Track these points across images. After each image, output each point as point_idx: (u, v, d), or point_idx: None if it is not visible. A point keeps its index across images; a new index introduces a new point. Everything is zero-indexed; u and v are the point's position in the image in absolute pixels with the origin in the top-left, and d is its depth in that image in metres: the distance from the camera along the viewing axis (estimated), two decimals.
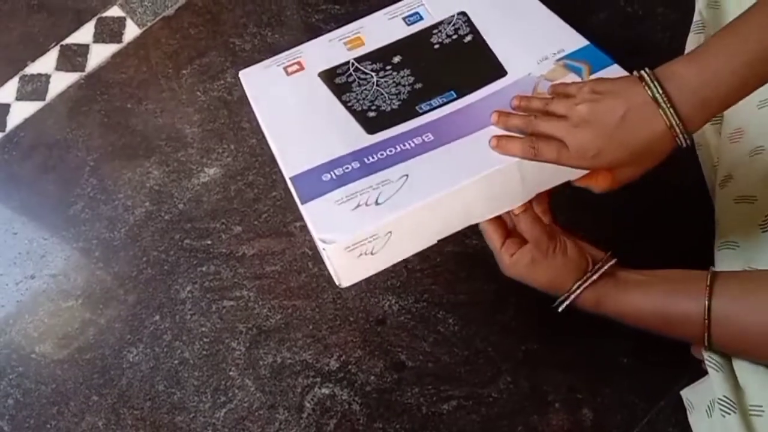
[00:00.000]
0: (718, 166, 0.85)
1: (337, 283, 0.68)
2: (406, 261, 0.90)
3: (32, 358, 0.90)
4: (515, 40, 0.80)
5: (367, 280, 0.88)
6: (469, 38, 0.82)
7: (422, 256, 0.90)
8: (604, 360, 0.86)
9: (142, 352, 0.90)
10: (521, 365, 0.86)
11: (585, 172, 0.68)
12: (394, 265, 0.87)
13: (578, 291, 0.71)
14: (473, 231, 0.90)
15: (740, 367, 0.68)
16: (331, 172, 0.71)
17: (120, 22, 1.09)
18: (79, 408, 0.87)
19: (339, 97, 0.79)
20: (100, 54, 1.07)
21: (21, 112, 1.05)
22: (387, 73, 0.81)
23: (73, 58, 1.07)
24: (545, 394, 0.85)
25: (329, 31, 1.01)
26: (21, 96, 1.05)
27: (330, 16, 1.06)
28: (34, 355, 0.90)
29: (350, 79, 0.81)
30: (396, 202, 0.68)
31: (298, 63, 0.84)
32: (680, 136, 0.60)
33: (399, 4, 0.88)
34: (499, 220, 0.73)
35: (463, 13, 0.85)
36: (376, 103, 0.77)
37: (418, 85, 0.79)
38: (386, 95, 0.78)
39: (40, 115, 1.04)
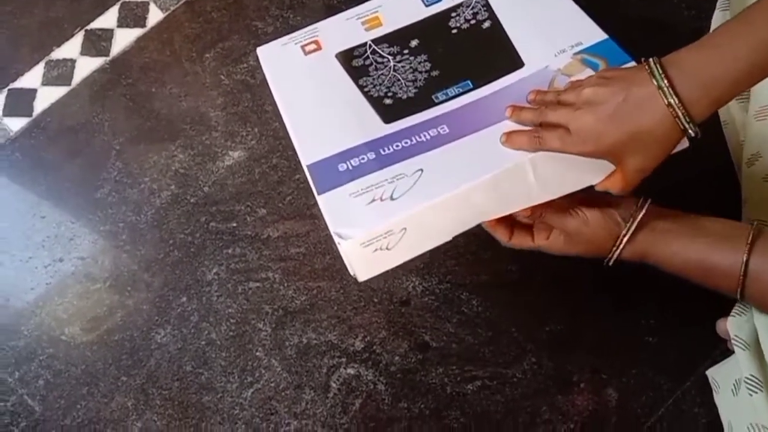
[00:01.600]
0: (744, 143, 0.84)
1: (353, 276, 0.69)
2: None
3: (62, 340, 0.92)
4: (533, 30, 0.80)
5: None
6: (487, 24, 0.82)
7: None
8: (629, 340, 0.86)
9: (169, 334, 0.91)
10: (545, 346, 0.87)
11: (601, 176, 0.68)
12: None
13: (617, 252, 0.71)
14: None
15: (767, 344, 0.67)
16: (348, 162, 0.72)
17: (143, 6, 1.10)
18: (109, 388, 0.89)
19: (356, 82, 0.79)
20: (124, 38, 1.08)
21: (47, 97, 1.06)
22: (404, 57, 0.81)
23: (97, 42, 1.08)
24: (570, 375, 0.85)
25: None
26: (47, 81, 1.06)
27: None
28: (64, 336, 0.92)
29: (367, 62, 0.81)
30: (410, 199, 0.68)
31: (316, 42, 0.84)
32: (682, 120, 0.59)
33: None
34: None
35: None
36: (392, 89, 0.78)
37: (435, 72, 0.79)
38: (403, 81, 0.78)
39: (66, 100, 1.05)
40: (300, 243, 0.93)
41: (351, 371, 0.87)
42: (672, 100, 0.58)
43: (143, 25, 1.09)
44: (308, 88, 0.80)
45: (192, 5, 1.09)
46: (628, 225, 0.70)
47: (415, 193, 0.68)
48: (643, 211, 0.70)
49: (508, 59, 0.78)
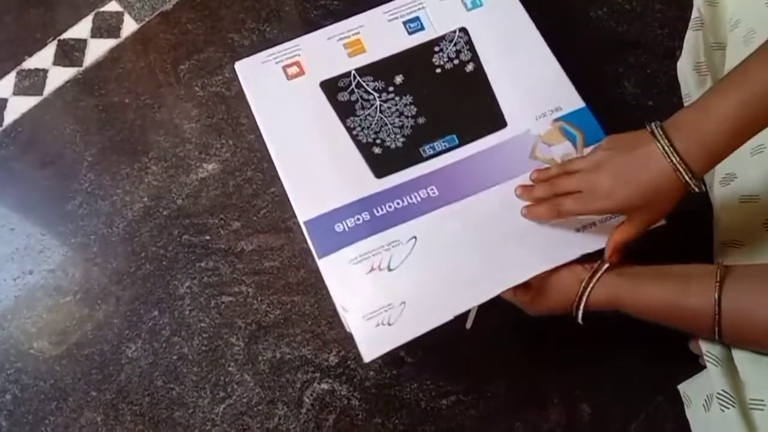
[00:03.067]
0: None
1: (363, 357, 0.71)
2: None
3: (30, 354, 0.90)
4: (516, 85, 0.83)
5: None
6: (470, 67, 0.83)
7: None
8: (602, 356, 0.86)
9: (140, 348, 0.89)
10: (520, 361, 0.87)
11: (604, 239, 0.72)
12: None
13: (585, 297, 0.72)
14: None
15: (741, 360, 0.68)
16: (343, 223, 0.75)
17: (118, 16, 1.09)
18: (78, 404, 0.87)
19: (343, 122, 0.80)
20: (97, 49, 1.07)
21: (18, 106, 1.04)
22: (390, 96, 0.82)
23: (70, 52, 1.07)
24: (543, 390, 0.85)
25: (327, 26, 1.01)
26: (18, 91, 1.05)
27: (329, 12, 1.06)
28: (32, 350, 0.90)
29: (353, 98, 0.81)
30: (407, 269, 0.73)
31: (298, 64, 0.84)
32: (684, 176, 0.63)
33: (399, 2, 0.88)
34: None
35: (464, 30, 0.85)
36: (380, 135, 0.80)
37: (421, 120, 0.81)
38: (390, 127, 0.80)
39: (38, 110, 1.04)
40: (274, 257, 0.93)
41: (325, 386, 0.86)
42: (673, 158, 0.63)
43: (117, 36, 1.08)
44: (295, 121, 0.82)
45: (167, 16, 1.08)
46: (595, 267, 0.72)
47: (411, 263, 0.73)
48: (607, 265, 0.72)
49: (492, 116, 0.81)
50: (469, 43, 0.85)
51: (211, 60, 1.05)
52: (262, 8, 1.08)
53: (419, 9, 0.87)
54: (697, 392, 0.77)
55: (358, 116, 0.81)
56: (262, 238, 0.94)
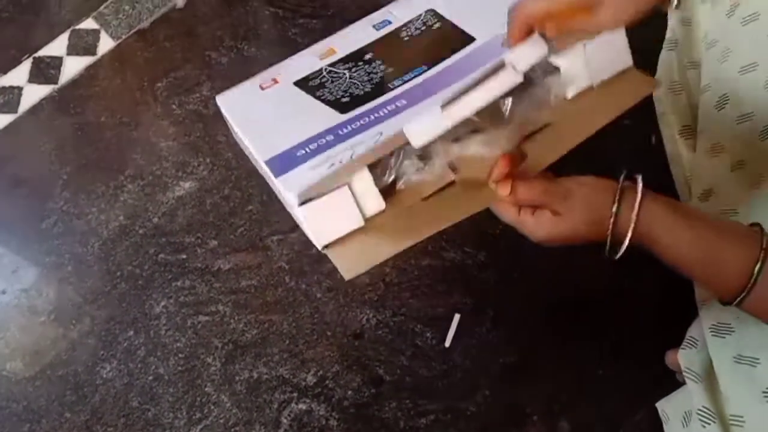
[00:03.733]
0: (692, 179, 0.86)
1: (319, 247, 0.65)
2: (383, 274, 0.90)
3: (3, 375, 0.88)
4: (482, 14, 0.81)
5: (345, 294, 0.88)
6: (438, 25, 0.84)
7: (400, 269, 0.91)
8: (581, 372, 0.86)
9: (115, 368, 0.88)
10: (499, 378, 0.86)
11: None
12: (372, 279, 0.87)
13: (633, 217, 0.61)
14: (451, 245, 0.90)
15: (722, 375, 0.68)
16: (306, 148, 0.71)
17: (94, 34, 1.08)
18: (52, 425, 0.86)
19: (313, 94, 0.80)
20: (73, 66, 1.06)
21: None
22: (359, 67, 0.82)
23: (46, 70, 1.06)
24: (523, 407, 0.85)
25: (306, 45, 1.01)
26: None
27: (307, 30, 1.06)
28: (5, 372, 0.88)
29: (323, 80, 0.81)
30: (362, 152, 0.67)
31: (273, 80, 0.84)
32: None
33: (369, 16, 0.89)
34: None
35: (432, 10, 0.86)
36: (349, 91, 0.79)
37: (390, 69, 0.80)
38: (359, 83, 0.79)
39: (12, 128, 1.03)
40: (251, 275, 0.92)
41: (303, 406, 0.86)
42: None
43: (93, 53, 1.07)
44: (265, 108, 0.80)
45: (144, 34, 1.08)
46: (632, 184, 0.62)
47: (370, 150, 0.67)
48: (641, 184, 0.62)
49: (460, 40, 0.79)
50: (437, 15, 0.86)
51: (188, 78, 1.04)
52: (240, 26, 1.08)
53: (387, 14, 0.88)
54: (675, 409, 0.78)
55: (327, 88, 0.81)
56: (239, 257, 0.93)
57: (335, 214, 0.65)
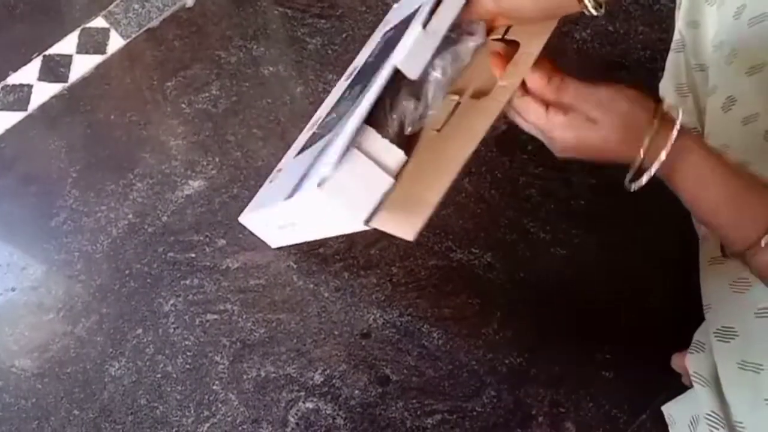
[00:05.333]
0: None
1: (361, 224, 0.62)
2: (390, 275, 0.91)
3: (12, 372, 0.89)
4: None
5: (352, 294, 0.89)
6: (391, 32, 0.81)
7: (407, 270, 0.91)
8: (586, 374, 0.87)
9: (124, 366, 0.89)
10: (505, 379, 0.87)
11: None
12: (379, 279, 0.87)
13: (668, 146, 0.57)
14: (458, 245, 0.91)
15: (727, 380, 0.68)
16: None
17: (104, 33, 1.09)
18: (60, 422, 0.86)
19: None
20: (83, 65, 1.07)
21: (2, 122, 1.03)
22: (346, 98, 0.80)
23: (56, 68, 1.07)
24: (528, 408, 0.85)
25: (314, 45, 1.02)
26: (2, 106, 1.04)
27: (315, 30, 1.07)
28: (14, 368, 0.89)
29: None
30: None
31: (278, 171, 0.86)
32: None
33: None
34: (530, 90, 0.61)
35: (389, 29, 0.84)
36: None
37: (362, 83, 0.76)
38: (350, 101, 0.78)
39: (22, 126, 1.03)
40: (260, 274, 0.93)
41: (310, 405, 0.86)
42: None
43: (103, 52, 1.08)
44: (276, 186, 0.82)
45: (154, 33, 1.08)
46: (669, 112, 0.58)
47: None
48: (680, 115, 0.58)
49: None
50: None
51: (197, 77, 1.05)
52: (249, 26, 1.08)
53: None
54: (681, 413, 0.78)
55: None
56: (247, 256, 0.94)
57: (360, 184, 0.61)
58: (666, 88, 0.97)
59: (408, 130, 0.63)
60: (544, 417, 0.85)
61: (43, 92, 1.05)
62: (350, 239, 0.93)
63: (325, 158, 0.62)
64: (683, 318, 0.79)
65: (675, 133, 0.56)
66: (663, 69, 0.99)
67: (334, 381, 0.87)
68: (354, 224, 0.62)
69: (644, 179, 0.58)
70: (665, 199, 0.60)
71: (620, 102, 0.57)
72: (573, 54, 1.04)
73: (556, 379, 0.87)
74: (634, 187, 0.59)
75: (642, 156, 0.57)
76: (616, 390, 0.86)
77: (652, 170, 0.57)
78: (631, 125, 0.57)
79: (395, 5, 0.88)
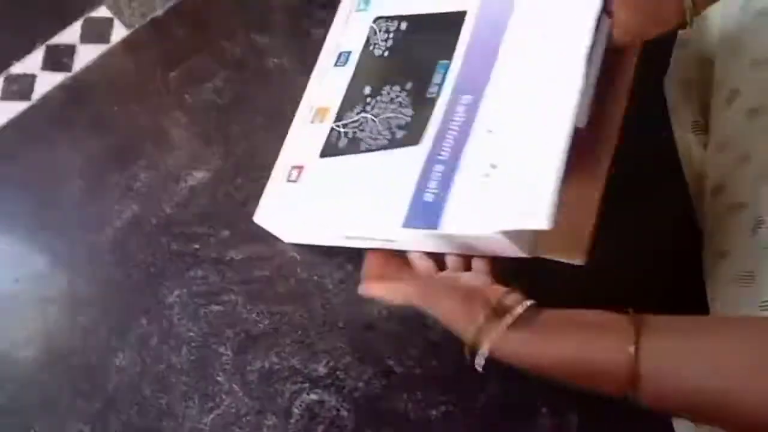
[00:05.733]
0: (705, 175, 0.86)
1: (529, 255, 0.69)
2: None
3: (16, 363, 0.89)
4: None
5: (356, 286, 0.88)
6: (404, 25, 0.83)
7: None
8: None
9: (128, 357, 0.89)
10: (510, 371, 0.87)
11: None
12: None
13: (499, 330, 0.63)
14: None
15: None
16: (426, 188, 0.71)
17: (107, 22, 1.08)
18: (64, 413, 0.86)
19: (357, 152, 0.80)
20: (86, 55, 1.06)
21: (4, 112, 1.03)
22: (373, 104, 0.82)
23: (59, 58, 1.06)
24: (533, 400, 0.85)
25: (318, 36, 1.02)
26: (5, 96, 1.04)
27: (318, 21, 1.06)
28: (18, 360, 0.89)
29: (350, 135, 0.81)
30: None
31: (298, 168, 0.84)
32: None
33: (319, 63, 0.92)
34: None
35: (381, 17, 0.86)
36: (392, 125, 0.78)
37: (408, 84, 0.79)
38: (393, 115, 0.78)
39: (25, 116, 1.03)
40: (264, 266, 0.92)
41: (314, 397, 0.86)
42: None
43: (107, 42, 1.07)
44: (323, 196, 0.81)
45: (158, 23, 1.08)
46: (516, 307, 0.64)
47: None
48: (532, 302, 0.65)
49: (450, 21, 0.80)
50: (393, 17, 0.86)
51: (201, 67, 1.04)
52: (254, 17, 1.07)
53: (338, 48, 0.91)
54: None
55: (364, 140, 0.80)
56: (251, 248, 0.94)
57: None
58: (671, 81, 0.97)
59: None
60: (549, 408, 0.85)
61: (47, 82, 1.05)
62: None
63: (505, 199, 0.64)
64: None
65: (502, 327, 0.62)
66: (668, 63, 0.98)
67: (338, 373, 0.87)
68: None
69: (480, 361, 0.64)
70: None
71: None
72: None
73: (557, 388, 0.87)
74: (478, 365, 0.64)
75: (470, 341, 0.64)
76: None
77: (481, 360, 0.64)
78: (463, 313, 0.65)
79: None
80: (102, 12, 1.09)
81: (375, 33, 0.86)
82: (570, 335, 0.60)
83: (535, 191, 0.60)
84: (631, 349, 0.54)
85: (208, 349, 0.89)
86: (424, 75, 0.79)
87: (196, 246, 0.94)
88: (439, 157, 0.71)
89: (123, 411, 0.86)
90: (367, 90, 0.83)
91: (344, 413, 0.85)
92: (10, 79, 1.05)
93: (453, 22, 0.79)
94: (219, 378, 0.87)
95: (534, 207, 0.60)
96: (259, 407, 0.86)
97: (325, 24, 1.04)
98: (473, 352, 0.64)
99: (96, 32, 1.08)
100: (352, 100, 0.84)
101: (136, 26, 1.08)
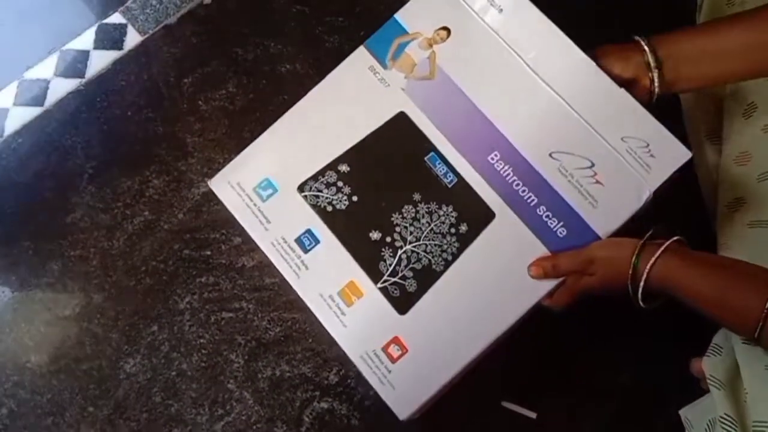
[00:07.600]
0: (720, 186, 0.85)
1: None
2: None
3: (28, 368, 0.89)
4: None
5: None
6: (343, 168, 0.77)
7: None
8: (603, 379, 0.86)
9: (139, 363, 0.89)
10: (519, 383, 0.86)
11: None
12: None
13: (647, 268, 0.69)
14: None
15: (753, 380, 0.68)
16: None
17: (121, 28, 1.09)
18: (75, 419, 0.86)
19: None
20: (100, 60, 1.06)
21: (19, 117, 1.03)
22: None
23: (73, 64, 1.06)
24: (544, 414, 0.85)
25: (331, 43, 1.02)
26: (19, 101, 1.04)
27: (333, 28, 1.06)
28: (30, 364, 0.89)
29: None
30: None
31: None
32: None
33: None
34: None
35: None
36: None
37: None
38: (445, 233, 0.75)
39: (39, 121, 1.03)
40: (275, 273, 0.92)
41: (324, 405, 0.86)
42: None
43: (120, 48, 1.07)
44: None
45: (171, 29, 1.08)
46: (645, 238, 0.71)
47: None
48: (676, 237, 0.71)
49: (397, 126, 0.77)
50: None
51: (214, 74, 1.05)
52: (266, 23, 1.07)
53: None
54: (699, 417, 0.77)
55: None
56: (263, 255, 0.93)
57: None
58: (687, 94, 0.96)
59: None
60: (560, 422, 0.85)
61: (60, 88, 1.05)
62: None
63: None
64: (701, 322, 0.78)
65: (653, 260, 0.68)
66: (701, 6, 0.97)
67: (349, 381, 0.87)
68: None
69: (639, 296, 0.70)
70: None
71: (600, 253, 0.72)
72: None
73: (572, 385, 0.86)
74: (642, 305, 0.71)
75: (630, 286, 0.70)
76: (634, 394, 0.86)
77: (639, 290, 0.69)
78: (614, 266, 0.71)
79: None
80: (116, 18, 1.09)
81: (317, 198, 0.76)
82: (715, 271, 0.68)
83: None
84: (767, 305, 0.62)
85: (219, 357, 0.89)
86: (423, 178, 0.74)
87: (208, 252, 0.94)
88: (528, 200, 0.73)
89: (133, 418, 0.86)
90: (376, 236, 0.74)
91: (355, 422, 0.85)
92: (24, 85, 1.05)
93: (402, 124, 0.76)
94: (229, 385, 0.87)
95: None
96: (269, 415, 0.86)
97: (339, 31, 1.05)
98: (635, 284, 0.70)
99: (110, 38, 1.08)
100: (372, 260, 0.73)
101: (150, 33, 1.08)
